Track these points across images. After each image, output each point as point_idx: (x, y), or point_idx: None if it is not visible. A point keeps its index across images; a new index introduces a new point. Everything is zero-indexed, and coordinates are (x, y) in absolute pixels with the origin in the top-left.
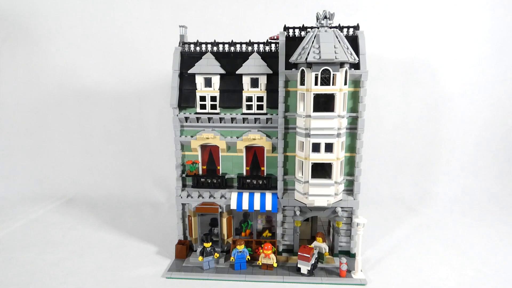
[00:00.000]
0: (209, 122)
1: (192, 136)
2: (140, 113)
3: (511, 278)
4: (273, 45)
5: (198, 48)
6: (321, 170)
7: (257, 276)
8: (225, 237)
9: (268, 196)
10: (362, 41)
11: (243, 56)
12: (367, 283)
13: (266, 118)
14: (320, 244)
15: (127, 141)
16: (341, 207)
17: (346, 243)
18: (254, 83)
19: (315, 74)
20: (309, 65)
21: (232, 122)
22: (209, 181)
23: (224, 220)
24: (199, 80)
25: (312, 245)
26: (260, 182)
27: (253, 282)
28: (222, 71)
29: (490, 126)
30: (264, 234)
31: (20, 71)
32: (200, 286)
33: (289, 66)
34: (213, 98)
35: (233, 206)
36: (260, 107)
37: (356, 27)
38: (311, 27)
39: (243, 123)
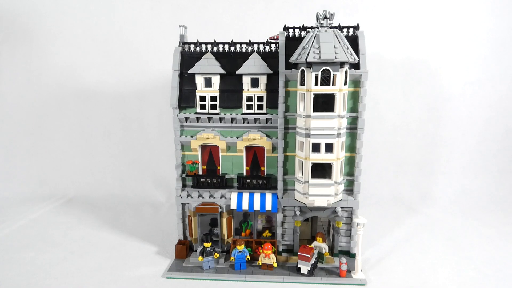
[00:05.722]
0: (209, 122)
1: (192, 136)
2: (140, 113)
3: (511, 278)
4: (273, 45)
5: (198, 48)
6: (321, 170)
7: (257, 276)
8: (225, 237)
9: (268, 196)
10: (362, 41)
11: (243, 56)
12: (367, 283)
13: (266, 118)
14: (320, 244)
15: (127, 141)
16: (341, 207)
17: (346, 243)
18: (254, 83)
19: (315, 74)
20: (309, 65)
21: (232, 122)
22: (209, 181)
23: (224, 220)
24: (199, 80)
25: (312, 245)
26: (260, 182)
27: (253, 282)
28: (222, 71)
29: (490, 126)
30: (264, 234)
31: (20, 71)
32: (200, 286)
33: (289, 66)
34: (213, 98)
35: (233, 206)
36: (260, 107)
37: (356, 27)
38: (311, 27)
39: (243, 123)
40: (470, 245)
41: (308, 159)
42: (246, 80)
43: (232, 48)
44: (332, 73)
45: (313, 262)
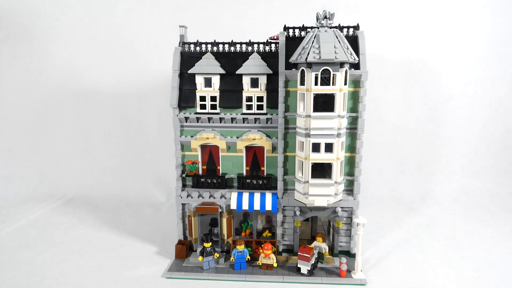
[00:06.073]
0: (209, 122)
1: (192, 136)
2: (140, 113)
3: (511, 278)
4: (273, 45)
5: (198, 48)
6: (321, 170)
7: (257, 276)
8: (225, 237)
9: (268, 196)
10: (362, 41)
11: (243, 56)
12: (367, 283)
13: (266, 118)
14: (320, 244)
15: (127, 141)
16: (341, 207)
17: (346, 243)
18: (254, 83)
19: (315, 74)
20: (309, 65)
21: (232, 122)
22: (209, 181)
23: (224, 220)
24: (199, 80)
25: (312, 245)
26: (260, 182)
27: (253, 282)
28: (222, 71)
29: (490, 126)
30: (264, 234)
31: (20, 71)
32: (200, 286)
33: (289, 66)
34: (213, 98)
35: (233, 206)
36: (260, 107)
37: (356, 27)
38: (311, 27)
39: (243, 123)
40: (470, 245)
41: (308, 159)
42: (246, 80)
43: (232, 48)
44: (332, 73)
45: (313, 262)
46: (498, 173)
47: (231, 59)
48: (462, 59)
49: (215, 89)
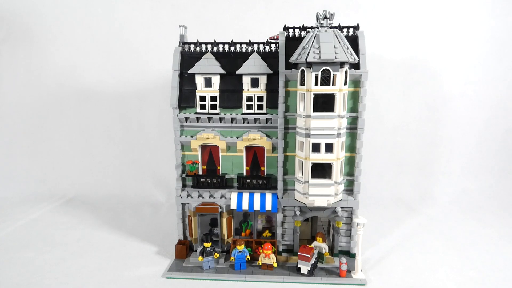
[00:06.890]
0: (209, 122)
1: (192, 136)
2: (140, 113)
3: (511, 278)
4: (273, 45)
5: (198, 48)
6: (321, 170)
7: (257, 276)
8: (225, 237)
9: (268, 196)
10: (362, 41)
11: (243, 56)
12: (367, 283)
13: (266, 118)
14: (320, 244)
15: (127, 141)
16: (341, 207)
17: (346, 243)
18: (254, 83)
19: (315, 74)
20: (309, 65)
21: (232, 122)
22: (209, 181)
23: (224, 220)
24: (199, 80)
25: (312, 245)
26: (260, 182)
27: (253, 282)
28: (222, 71)
29: (490, 126)
30: (264, 234)
31: (20, 71)
32: (200, 286)
33: (289, 66)
34: (213, 98)
35: (233, 206)
36: (260, 107)
37: (356, 27)
38: (311, 27)
39: (243, 123)
40: (470, 245)
41: (308, 159)
42: (246, 80)
43: (232, 48)
44: (332, 73)
45: (313, 262)
46: (498, 173)
47: (231, 59)
48: (462, 59)
49: (215, 89)
